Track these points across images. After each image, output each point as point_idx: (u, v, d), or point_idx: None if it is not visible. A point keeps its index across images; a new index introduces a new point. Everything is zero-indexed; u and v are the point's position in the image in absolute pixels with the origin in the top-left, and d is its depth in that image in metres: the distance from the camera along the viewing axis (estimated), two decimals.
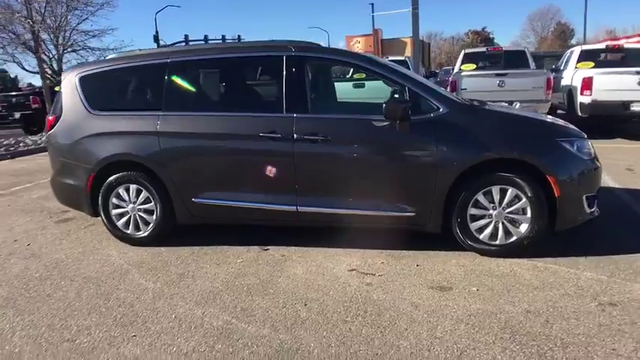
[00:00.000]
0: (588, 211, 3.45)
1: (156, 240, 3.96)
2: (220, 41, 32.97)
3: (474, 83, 8.72)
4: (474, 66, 9.79)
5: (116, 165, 3.87)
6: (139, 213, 3.94)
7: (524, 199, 3.31)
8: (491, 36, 59.37)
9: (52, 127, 4.09)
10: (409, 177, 3.41)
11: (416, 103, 3.41)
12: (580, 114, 8.14)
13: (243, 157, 3.63)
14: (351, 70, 8.18)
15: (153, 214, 3.91)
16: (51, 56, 30.11)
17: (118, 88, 4.04)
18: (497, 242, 3.43)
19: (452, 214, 3.43)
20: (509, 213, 3.37)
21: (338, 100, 4.36)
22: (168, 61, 3.83)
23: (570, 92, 8.59)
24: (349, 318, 2.72)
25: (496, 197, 3.36)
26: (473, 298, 2.88)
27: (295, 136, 3.47)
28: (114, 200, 3.95)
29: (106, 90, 4.01)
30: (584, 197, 3.37)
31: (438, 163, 3.33)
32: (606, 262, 3.29)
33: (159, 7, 48.50)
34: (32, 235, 4.41)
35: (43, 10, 21.23)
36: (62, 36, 30.66)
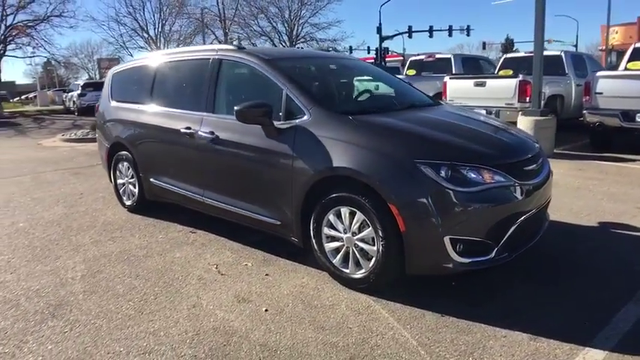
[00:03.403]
0: (459, 259, 2.66)
1: (136, 209, 4.84)
2: (447, 31, 31.98)
3: (614, 87, 6.68)
4: None
5: (117, 145, 4.89)
6: (129, 186, 4.88)
7: (370, 228, 2.82)
8: None
9: (96, 111, 5.41)
10: (274, 184, 3.29)
11: (288, 107, 3.25)
12: None
13: (173, 147, 4.12)
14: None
15: (136, 188, 4.79)
16: (285, 46, 35.85)
17: (126, 84, 5.02)
18: (348, 271, 3.01)
19: (309, 231, 3.16)
20: (359, 241, 2.91)
21: None
22: (156, 64, 4.58)
23: None
24: (131, 299, 2.97)
25: (345, 220, 2.95)
26: (244, 316, 2.72)
27: (200, 133, 3.76)
28: (117, 172, 5.00)
29: (120, 85, 5.07)
30: (446, 239, 2.62)
31: (294, 173, 3.12)
32: (453, 330, 2.53)
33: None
34: (92, 193, 5.90)
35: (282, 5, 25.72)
36: (295, 28, 35.99)
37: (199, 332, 2.57)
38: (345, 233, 2.97)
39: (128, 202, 4.93)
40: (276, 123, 3.23)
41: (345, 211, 2.93)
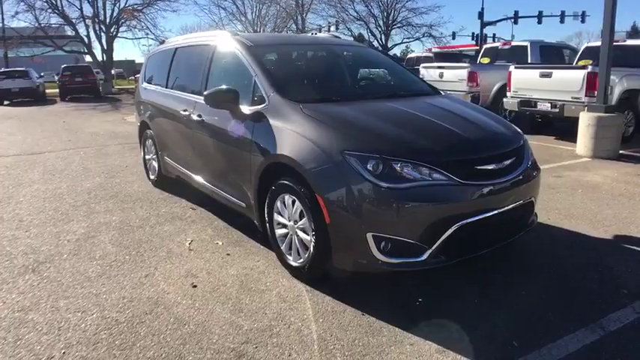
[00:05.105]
0: (385, 259, 2.55)
1: (157, 183, 5.25)
2: (559, 17, 29.34)
3: None
4: None
5: (144, 124, 5.33)
6: (153, 162, 5.31)
7: (305, 217, 2.80)
8: None
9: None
10: (239, 168, 3.40)
11: (255, 93, 3.31)
12: None
13: (177, 128, 4.38)
14: None
15: (157, 163, 5.20)
16: (380, 31, 35.36)
17: (154, 66, 5.39)
18: (291, 258, 3.04)
19: (264, 216, 3.22)
20: (299, 229, 2.92)
21: None
22: (174, 48, 4.88)
23: None
24: (101, 264, 3.29)
25: (289, 208, 2.96)
26: (181, 290, 2.89)
27: (192, 116, 3.97)
28: (145, 149, 5.46)
29: (151, 67, 5.47)
30: (369, 236, 2.52)
31: (251, 159, 3.20)
32: (363, 330, 2.45)
33: None
34: (135, 166, 6.44)
35: None
36: (392, 13, 35.25)
37: (133, 299, 2.79)
38: (290, 221, 2.99)
39: (152, 177, 5.38)
40: (243, 108, 3.31)
41: (288, 199, 2.95)
